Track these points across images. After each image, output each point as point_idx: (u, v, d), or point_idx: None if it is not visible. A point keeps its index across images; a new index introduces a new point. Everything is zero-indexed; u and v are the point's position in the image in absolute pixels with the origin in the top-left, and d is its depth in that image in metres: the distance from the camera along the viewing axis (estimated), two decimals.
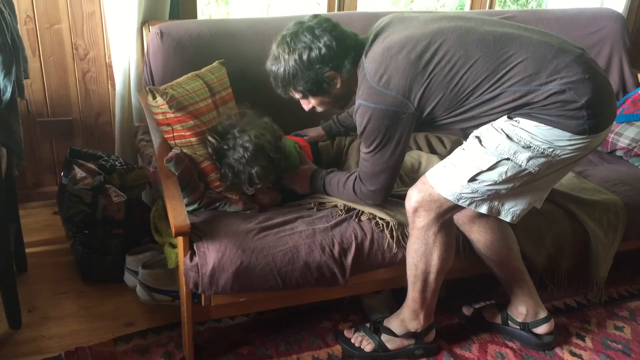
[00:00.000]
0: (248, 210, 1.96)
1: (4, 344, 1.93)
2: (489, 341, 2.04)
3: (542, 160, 1.65)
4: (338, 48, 1.74)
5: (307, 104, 1.89)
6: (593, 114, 1.60)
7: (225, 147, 1.90)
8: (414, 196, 1.76)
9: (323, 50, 1.72)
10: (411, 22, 1.75)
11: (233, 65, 2.20)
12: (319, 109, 1.90)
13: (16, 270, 2.15)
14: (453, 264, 1.88)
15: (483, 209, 1.74)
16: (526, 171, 1.66)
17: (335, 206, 1.97)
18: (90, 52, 2.53)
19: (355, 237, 1.85)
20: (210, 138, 1.92)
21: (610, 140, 2.52)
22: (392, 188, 1.87)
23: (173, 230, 1.66)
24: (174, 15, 2.47)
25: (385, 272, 1.93)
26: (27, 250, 2.32)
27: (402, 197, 1.98)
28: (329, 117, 2.30)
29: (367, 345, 1.93)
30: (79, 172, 2.19)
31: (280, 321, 2.09)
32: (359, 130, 1.76)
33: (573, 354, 2.01)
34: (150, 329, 2.02)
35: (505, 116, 1.66)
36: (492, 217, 1.84)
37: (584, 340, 2.08)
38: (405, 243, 1.87)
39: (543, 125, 1.62)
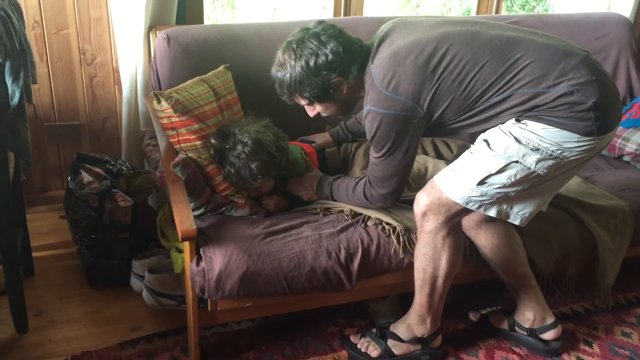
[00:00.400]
0: (254, 214, 1.96)
1: (11, 348, 1.94)
2: (496, 347, 2.04)
3: (551, 162, 1.65)
4: (344, 54, 1.74)
5: (313, 110, 1.89)
6: (600, 115, 1.60)
7: (227, 146, 1.92)
8: (422, 200, 1.76)
9: (330, 57, 1.72)
10: (415, 26, 1.75)
11: (239, 70, 2.21)
12: (324, 115, 1.90)
13: (23, 274, 2.16)
14: (459, 269, 1.87)
15: (492, 212, 1.74)
16: (535, 173, 1.66)
17: (342, 211, 1.97)
18: (98, 57, 2.55)
19: (362, 242, 1.85)
20: (212, 140, 1.93)
21: (617, 145, 2.51)
22: (402, 190, 1.87)
23: (180, 235, 1.66)
24: (181, 20, 2.48)
25: (392, 277, 1.92)
26: (34, 254, 2.32)
27: (409, 202, 1.98)
28: (336, 122, 2.30)
29: (374, 351, 1.92)
30: (86, 177, 2.20)
31: (286, 326, 2.09)
32: (368, 136, 1.76)
33: None
34: (157, 334, 2.03)
35: (514, 119, 1.66)
36: (498, 222, 1.84)
37: (591, 346, 2.07)
38: (412, 248, 1.87)
39: (551, 127, 1.62)
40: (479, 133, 1.75)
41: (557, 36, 1.77)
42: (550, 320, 1.99)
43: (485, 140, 1.69)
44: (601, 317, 2.21)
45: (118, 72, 2.53)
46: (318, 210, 2.01)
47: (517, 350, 2.02)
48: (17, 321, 1.98)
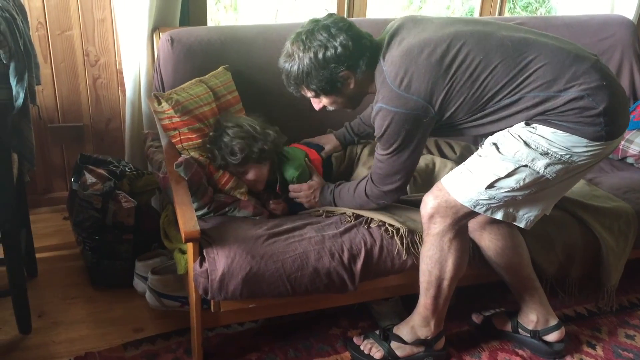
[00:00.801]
0: (257, 215, 1.97)
1: (14, 349, 1.94)
2: (499, 349, 2.03)
3: (560, 166, 1.64)
4: (354, 48, 1.73)
5: (318, 103, 1.88)
6: (610, 120, 1.60)
7: (216, 133, 1.97)
8: (429, 202, 1.75)
9: (339, 50, 1.71)
10: (426, 24, 1.74)
11: (242, 72, 2.21)
12: (330, 108, 1.89)
13: (26, 275, 2.16)
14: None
15: (499, 215, 1.74)
16: (544, 178, 1.66)
17: (344, 213, 1.97)
18: (101, 59, 2.55)
19: (365, 244, 1.85)
20: (210, 134, 1.98)
21: (621, 147, 2.51)
22: (405, 188, 1.87)
23: (183, 236, 1.66)
24: (184, 21, 2.48)
25: (395, 278, 1.92)
26: (38, 255, 2.33)
27: (413, 203, 1.98)
28: (339, 124, 2.29)
29: (377, 353, 1.92)
30: (89, 178, 2.20)
31: (289, 328, 2.09)
32: (377, 133, 1.75)
33: None
34: (160, 335, 2.03)
35: (523, 122, 1.66)
36: (502, 224, 1.84)
37: (594, 348, 2.06)
38: (415, 250, 1.87)
39: (561, 132, 1.61)
40: (485, 135, 1.74)
41: (565, 38, 1.76)
42: (553, 322, 1.99)
43: (494, 144, 1.69)
44: (604, 319, 2.21)
45: (121, 73, 2.54)
46: (321, 211, 2.01)
47: (520, 352, 2.02)
48: (20, 322, 1.98)
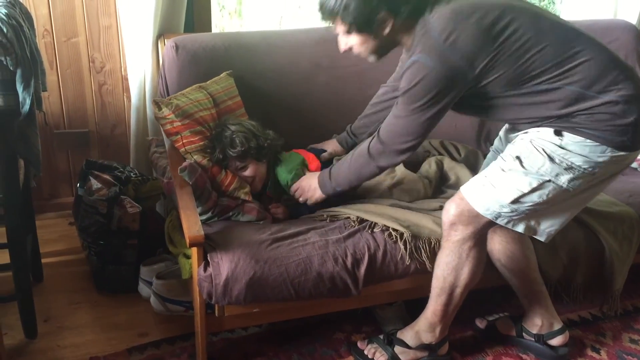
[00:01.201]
0: (261, 220, 1.97)
1: (20, 354, 1.95)
2: (503, 353, 2.03)
3: (583, 180, 1.64)
4: None
5: (346, 43, 1.76)
6: (637, 131, 1.59)
7: (218, 129, 2.01)
8: (451, 210, 1.74)
9: None
10: None
11: (246, 77, 2.23)
12: (355, 51, 1.76)
13: (32, 280, 2.17)
14: None
15: (520, 228, 1.73)
16: (568, 192, 1.65)
17: (348, 218, 1.97)
18: (107, 65, 2.57)
19: (368, 248, 1.85)
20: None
21: None
22: (413, 152, 1.76)
23: (187, 240, 1.67)
24: (189, 28, 2.50)
25: (398, 283, 1.92)
26: (43, 260, 2.34)
27: (419, 210, 1.99)
28: (342, 130, 2.30)
29: (381, 357, 1.92)
30: (95, 183, 2.22)
31: (293, 332, 2.09)
32: (404, 86, 1.64)
33: None
34: (164, 339, 2.03)
35: (552, 131, 1.63)
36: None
37: (599, 352, 2.06)
38: (419, 255, 1.87)
39: (589, 141, 1.60)
40: (509, 121, 1.70)
41: None
42: (557, 326, 1.99)
43: (518, 157, 1.66)
44: (609, 323, 2.20)
45: (127, 79, 2.56)
46: (325, 216, 2.01)
47: (524, 356, 2.01)
48: (26, 326, 2.00)
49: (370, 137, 1.83)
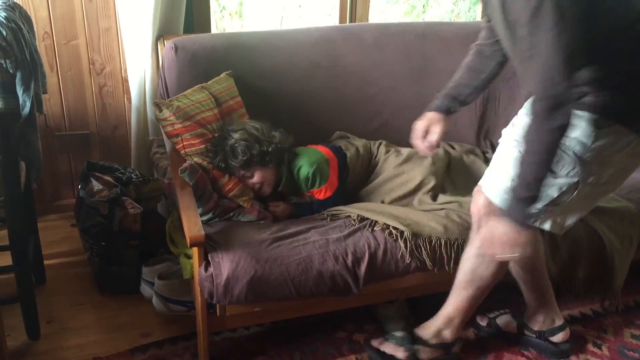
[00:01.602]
0: (261, 220, 1.98)
1: (23, 355, 1.96)
2: (505, 350, 2.03)
3: (610, 170, 1.62)
4: None
5: None
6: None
7: (220, 136, 2.00)
8: (480, 200, 1.74)
9: None
10: None
11: (246, 77, 2.23)
12: None
13: (35, 282, 2.18)
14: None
15: (547, 226, 1.71)
16: (597, 188, 1.65)
17: (349, 216, 1.98)
18: (107, 67, 2.58)
19: (369, 247, 1.86)
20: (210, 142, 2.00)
21: None
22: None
23: (188, 240, 1.68)
24: (188, 29, 2.50)
25: (399, 281, 1.93)
26: (46, 262, 2.35)
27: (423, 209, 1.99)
28: (344, 128, 2.29)
29: (400, 354, 1.89)
30: (96, 185, 2.23)
31: (295, 331, 2.10)
32: (527, 9, 1.39)
33: None
34: (167, 340, 2.04)
35: (600, 118, 1.55)
36: None
37: (600, 348, 2.06)
38: (419, 253, 1.88)
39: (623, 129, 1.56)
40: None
41: None
42: (559, 322, 1.99)
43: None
44: (610, 319, 2.21)
45: (127, 81, 2.57)
46: (325, 215, 2.02)
47: (526, 353, 2.02)
48: (29, 328, 2.00)
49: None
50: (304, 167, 2.05)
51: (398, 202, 2.11)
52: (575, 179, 1.61)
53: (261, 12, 3.46)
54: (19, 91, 1.72)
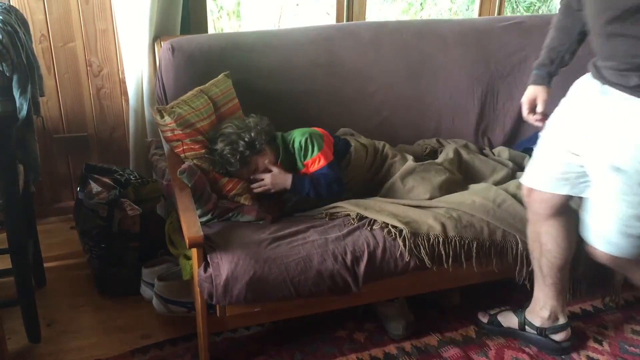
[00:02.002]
0: (260, 220, 1.98)
1: (24, 358, 1.96)
2: (505, 346, 2.03)
3: None
4: None
5: None
6: None
7: (208, 150, 2.00)
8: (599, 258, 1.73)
9: None
10: None
11: (243, 77, 2.23)
12: None
13: (35, 284, 2.18)
14: (466, 271, 1.91)
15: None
16: None
17: (348, 215, 1.98)
18: (104, 69, 2.58)
19: (368, 246, 1.86)
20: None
21: None
22: None
23: (187, 241, 1.68)
24: (185, 30, 2.50)
25: (398, 280, 1.93)
26: (45, 264, 2.35)
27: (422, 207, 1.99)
28: (342, 124, 2.29)
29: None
30: (95, 187, 2.23)
31: (295, 331, 2.10)
32: None
33: (590, 359, 1.99)
34: (167, 341, 2.04)
35: None
36: (571, 216, 1.84)
37: (601, 344, 2.06)
38: (418, 251, 1.87)
39: None
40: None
41: None
42: (562, 320, 1.99)
43: (618, 168, 1.57)
44: (611, 315, 2.20)
45: (124, 83, 2.56)
46: (324, 214, 2.02)
47: (526, 349, 2.02)
48: (29, 331, 2.00)
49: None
50: (297, 137, 2.07)
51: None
52: None
53: (259, 12, 3.46)
54: (16, 94, 1.72)
